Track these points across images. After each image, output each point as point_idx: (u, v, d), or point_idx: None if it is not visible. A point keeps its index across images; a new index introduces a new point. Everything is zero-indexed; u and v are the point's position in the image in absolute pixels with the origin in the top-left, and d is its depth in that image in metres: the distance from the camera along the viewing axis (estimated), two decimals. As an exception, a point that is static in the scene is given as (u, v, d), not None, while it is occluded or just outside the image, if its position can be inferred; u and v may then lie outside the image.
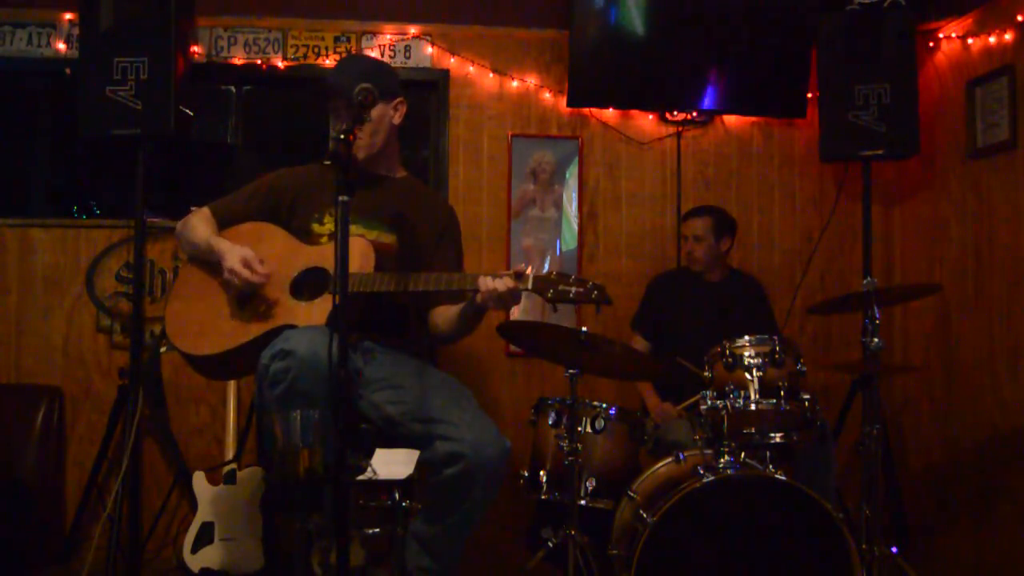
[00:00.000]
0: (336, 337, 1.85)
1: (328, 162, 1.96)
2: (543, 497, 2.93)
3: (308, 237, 2.59)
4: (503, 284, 2.26)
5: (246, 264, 2.44)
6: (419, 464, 2.41)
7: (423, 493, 2.45)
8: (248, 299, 2.50)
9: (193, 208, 2.76)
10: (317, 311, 2.40)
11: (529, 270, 2.29)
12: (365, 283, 2.36)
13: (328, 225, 2.58)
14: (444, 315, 2.60)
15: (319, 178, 2.66)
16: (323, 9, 3.96)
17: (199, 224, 2.62)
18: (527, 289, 2.27)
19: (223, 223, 2.65)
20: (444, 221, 2.75)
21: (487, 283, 2.28)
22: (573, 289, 2.26)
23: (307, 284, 2.49)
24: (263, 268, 2.45)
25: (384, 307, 2.53)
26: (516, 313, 3.77)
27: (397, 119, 2.68)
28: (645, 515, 2.60)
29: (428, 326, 2.68)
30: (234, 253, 2.47)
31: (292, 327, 2.36)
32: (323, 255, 2.50)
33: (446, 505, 2.38)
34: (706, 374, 2.95)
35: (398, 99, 2.66)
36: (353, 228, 2.32)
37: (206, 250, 2.56)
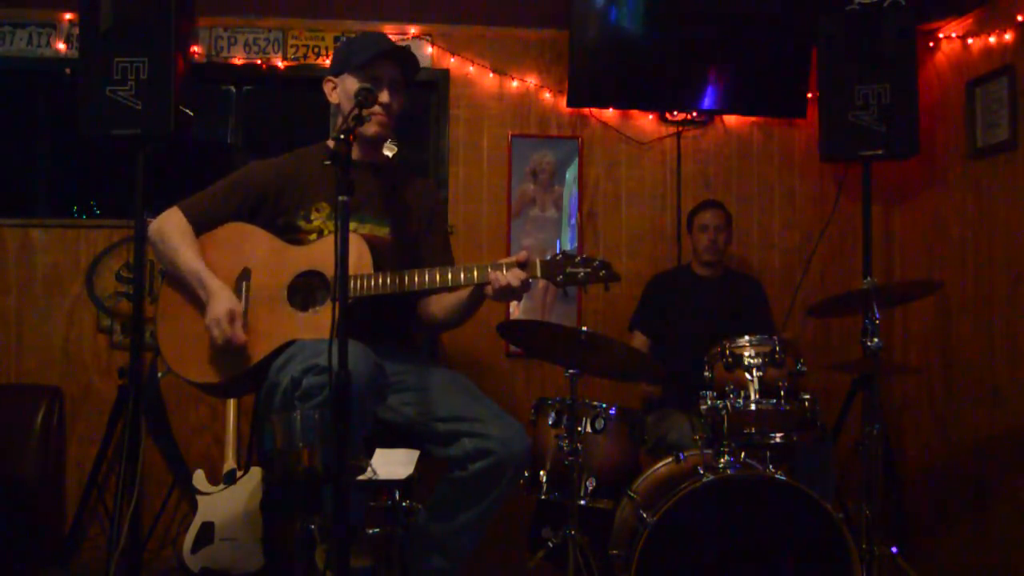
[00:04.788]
0: (337, 342, 1.83)
1: (328, 162, 1.93)
2: (543, 497, 2.93)
3: (295, 235, 2.48)
4: (515, 278, 2.27)
5: (232, 319, 2.31)
6: (440, 461, 2.40)
7: (440, 490, 2.41)
8: (245, 314, 2.39)
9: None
10: (321, 322, 2.32)
11: (524, 253, 2.29)
12: (366, 287, 2.30)
13: (316, 222, 2.49)
14: (440, 303, 2.55)
15: (300, 171, 2.53)
16: (323, 9, 3.96)
17: (180, 242, 2.43)
18: (536, 277, 2.29)
19: (199, 227, 2.48)
20: (431, 202, 2.71)
21: (499, 279, 2.27)
22: (581, 271, 2.29)
23: (303, 291, 2.41)
24: (242, 335, 2.32)
25: (387, 308, 2.47)
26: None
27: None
28: (645, 515, 2.60)
29: (419, 315, 2.63)
30: (221, 305, 2.32)
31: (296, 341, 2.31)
32: (313, 257, 2.41)
33: (465, 500, 2.35)
34: (706, 374, 2.96)
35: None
36: None
37: (191, 279, 2.40)
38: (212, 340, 2.33)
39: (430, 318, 2.60)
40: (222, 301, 2.33)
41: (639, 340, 3.70)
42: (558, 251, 2.33)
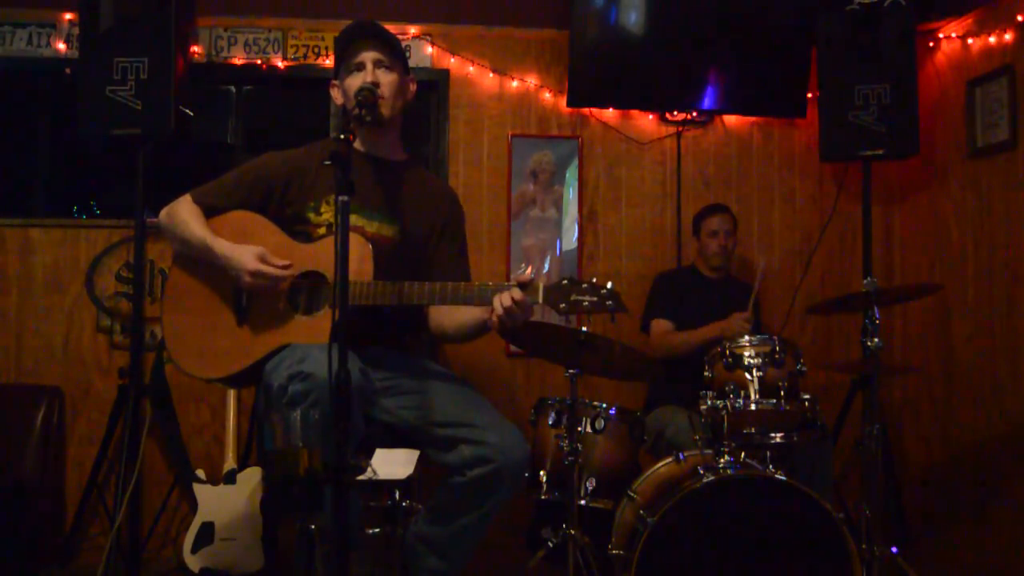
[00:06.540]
0: (336, 348, 1.82)
1: (328, 163, 1.93)
2: (543, 497, 2.93)
3: (304, 227, 2.47)
4: (510, 298, 2.17)
5: (265, 260, 2.31)
6: (438, 466, 2.38)
7: (439, 494, 2.41)
8: (246, 313, 2.40)
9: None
10: (318, 326, 2.31)
11: (530, 270, 2.25)
12: (364, 295, 2.27)
13: (325, 215, 2.45)
14: (452, 318, 2.49)
15: (311, 164, 2.50)
16: (323, 9, 3.96)
17: (190, 219, 2.44)
18: (537, 303, 2.21)
19: (208, 214, 2.47)
20: (448, 210, 2.64)
21: (498, 304, 2.19)
22: (587, 299, 2.19)
23: (304, 291, 2.39)
24: (280, 260, 2.32)
25: (388, 312, 2.43)
26: None
27: (410, 95, 2.59)
28: (645, 515, 2.60)
29: (430, 325, 2.59)
30: (246, 254, 2.32)
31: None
32: (318, 256, 2.38)
33: (464, 505, 2.34)
34: (706, 374, 2.96)
35: (410, 77, 2.59)
36: (353, 219, 2.24)
37: (203, 251, 2.40)
38: (258, 292, 2.34)
39: (441, 330, 2.55)
40: (244, 253, 2.32)
41: (663, 325, 3.63)
42: (564, 277, 2.24)
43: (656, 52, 3.96)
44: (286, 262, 2.34)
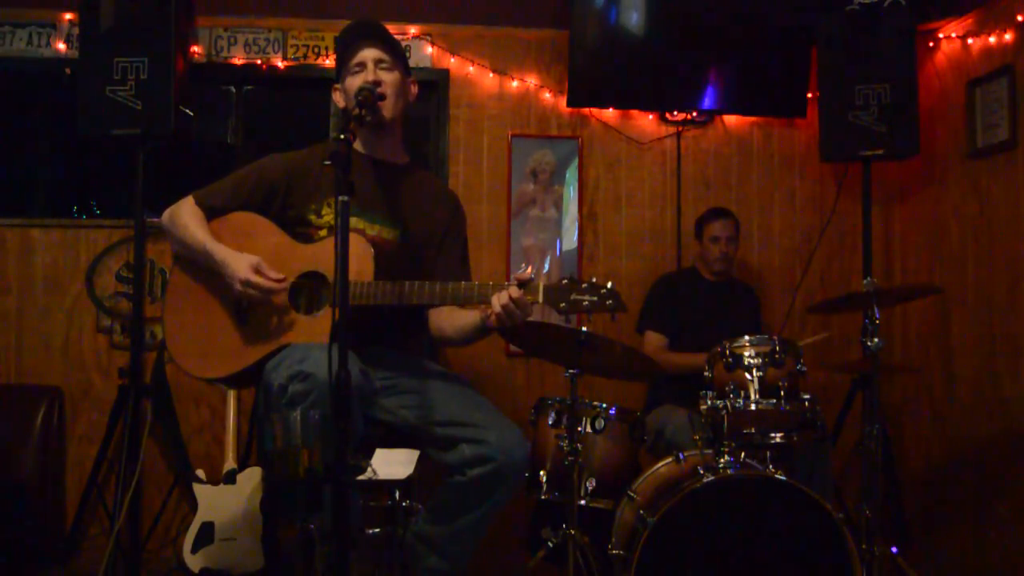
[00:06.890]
0: (336, 348, 1.82)
1: (328, 163, 1.93)
2: (543, 497, 2.93)
3: (305, 229, 2.47)
4: (509, 296, 2.18)
5: (259, 271, 2.30)
6: (438, 465, 2.38)
7: (440, 493, 2.40)
8: (247, 313, 2.40)
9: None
10: (319, 326, 2.31)
11: (530, 270, 2.25)
12: (365, 295, 2.27)
13: (327, 217, 2.45)
14: (452, 322, 2.50)
15: (312, 166, 2.50)
16: (323, 9, 3.96)
17: (191, 222, 2.44)
18: (537, 302, 2.22)
19: (210, 215, 2.48)
20: (450, 214, 2.64)
21: (496, 301, 2.20)
22: (586, 299, 2.20)
23: (305, 291, 2.39)
24: (274, 272, 2.32)
25: (389, 312, 2.42)
26: None
27: (411, 97, 2.59)
28: (645, 515, 2.60)
29: (430, 328, 2.59)
30: (241, 263, 2.30)
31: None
32: (318, 257, 2.39)
33: (464, 505, 2.34)
34: (706, 374, 2.96)
35: (411, 78, 2.59)
36: (353, 221, 2.24)
37: (202, 255, 2.40)
38: (251, 301, 2.34)
39: (442, 333, 2.55)
40: (239, 261, 2.31)
41: (656, 339, 3.66)
42: (564, 276, 2.24)
43: (656, 52, 3.96)
44: (280, 275, 2.32)
